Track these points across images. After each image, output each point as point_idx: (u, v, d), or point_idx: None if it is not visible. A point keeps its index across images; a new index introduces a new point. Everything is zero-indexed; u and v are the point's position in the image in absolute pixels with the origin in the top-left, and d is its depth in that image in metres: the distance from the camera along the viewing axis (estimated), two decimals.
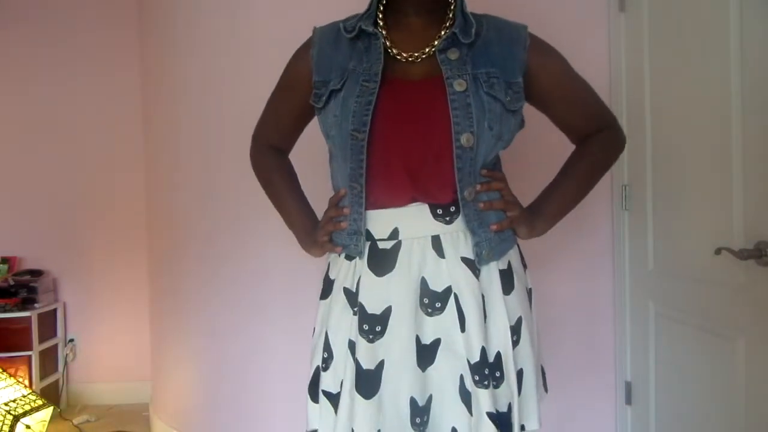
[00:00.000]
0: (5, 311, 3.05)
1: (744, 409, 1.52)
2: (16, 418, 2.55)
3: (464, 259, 1.01)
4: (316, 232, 1.12)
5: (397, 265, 0.99)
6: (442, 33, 1.05)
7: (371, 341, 0.97)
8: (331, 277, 1.10)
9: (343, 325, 1.04)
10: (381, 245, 1.00)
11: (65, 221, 3.36)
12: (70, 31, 3.36)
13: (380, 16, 1.07)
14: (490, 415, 0.93)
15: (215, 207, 2.32)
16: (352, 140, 1.00)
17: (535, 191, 1.37)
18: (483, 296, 1.01)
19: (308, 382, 1.12)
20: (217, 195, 2.31)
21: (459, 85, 1.00)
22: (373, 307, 0.98)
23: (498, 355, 0.99)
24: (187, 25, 2.41)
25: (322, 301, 1.12)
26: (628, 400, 2.12)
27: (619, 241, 2.14)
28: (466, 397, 0.95)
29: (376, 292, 0.99)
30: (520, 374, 1.02)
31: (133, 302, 3.32)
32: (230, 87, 2.25)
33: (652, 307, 1.96)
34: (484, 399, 0.94)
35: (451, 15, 1.06)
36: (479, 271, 1.02)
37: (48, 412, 2.73)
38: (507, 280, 1.05)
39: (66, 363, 3.35)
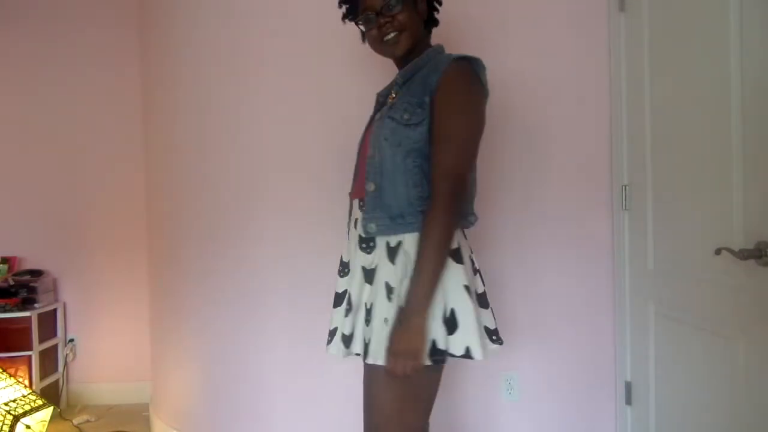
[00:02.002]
0: (5, 311, 3.06)
1: (744, 409, 1.52)
2: (16, 418, 2.55)
3: (360, 238, 1.39)
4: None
5: (349, 235, 1.48)
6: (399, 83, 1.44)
7: (341, 277, 1.50)
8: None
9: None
10: (351, 222, 1.48)
11: (65, 221, 3.36)
12: (70, 31, 3.36)
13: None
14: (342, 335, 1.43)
15: (215, 207, 2.32)
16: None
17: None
18: (377, 263, 1.35)
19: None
20: (217, 195, 2.31)
21: (379, 118, 1.41)
22: (344, 258, 1.51)
23: (371, 306, 1.33)
24: (188, 25, 2.41)
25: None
26: (628, 400, 2.12)
27: (619, 241, 2.14)
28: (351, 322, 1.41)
29: (345, 251, 1.50)
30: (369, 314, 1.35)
31: (133, 302, 3.33)
32: (230, 87, 2.25)
33: (652, 307, 1.96)
34: (361, 329, 1.38)
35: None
36: (372, 244, 1.37)
37: (48, 412, 2.73)
38: (393, 254, 1.33)
39: (66, 363, 3.36)
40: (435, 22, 1.53)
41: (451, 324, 1.29)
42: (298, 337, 2.12)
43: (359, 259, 1.40)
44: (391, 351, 1.25)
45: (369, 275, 1.38)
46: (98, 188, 3.37)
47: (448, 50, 1.50)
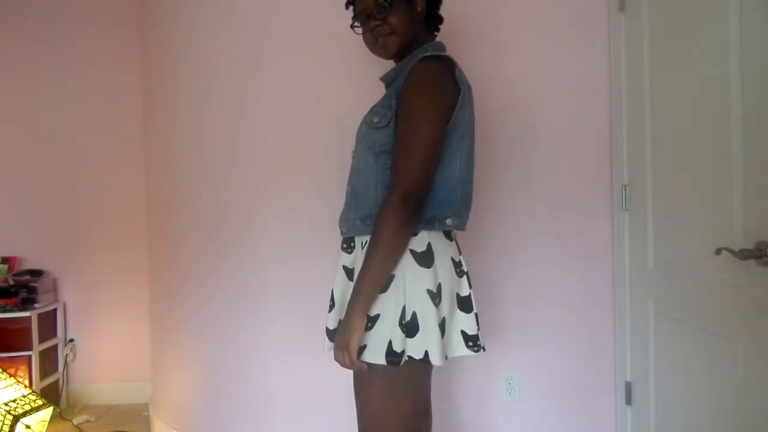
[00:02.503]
0: (5, 311, 3.06)
1: (744, 409, 1.52)
2: (16, 418, 2.55)
3: (343, 238, 1.46)
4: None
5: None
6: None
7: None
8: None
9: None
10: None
11: (65, 221, 3.36)
12: (70, 31, 3.36)
13: None
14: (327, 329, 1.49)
15: (215, 207, 2.32)
16: None
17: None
18: (356, 266, 1.37)
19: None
20: (216, 195, 2.31)
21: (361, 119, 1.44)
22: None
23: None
24: (188, 24, 2.41)
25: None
26: (628, 400, 2.12)
27: (619, 241, 2.14)
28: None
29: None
30: (376, 318, 1.32)
31: (133, 302, 3.33)
32: (230, 87, 2.25)
33: (652, 307, 1.96)
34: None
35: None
36: (352, 244, 1.42)
37: (48, 412, 2.73)
38: (366, 253, 1.34)
39: (66, 363, 3.36)
40: (438, 20, 1.51)
41: (411, 327, 1.30)
42: (298, 338, 2.12)
43: (342, 259, 1.47)
44: (335, 343, 1.34)
45: (350, 274, 1.43)
46: (98, 188, 3.37)
47: (458, 49, 1.53)
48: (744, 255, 1.44)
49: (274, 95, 2.16)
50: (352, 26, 1.50)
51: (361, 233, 1.38)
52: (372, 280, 1.28)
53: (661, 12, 1.87)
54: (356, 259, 1.39)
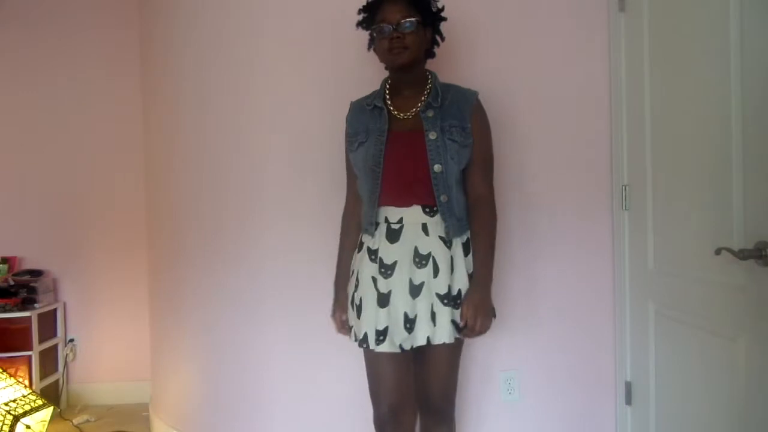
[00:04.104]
0: (5, 311, 3.06)
1: (744, 409, 1.52)
2: (16, 418, 2.55)
3: (440, 237, 1.62)
4: (335, 314, 1.80)
5: (401, 238, 1.62)
6: (423, 100, 1.66)
7: (386, 278, 1.62)
8: (363, 241, 1.71)
9: (366, 268, 1.65)
10: (393, 227, 1.63)
11: (65, 221, 3.36)
12: (70, 32, 3.36)
13: (387, 90, 1.71)
14: (452, 322, 1.59)
15: (215, 207, 2.32)
16: (373, 171, 1.63)
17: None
18: (452, 258, 1.62)
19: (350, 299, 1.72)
20: (216, 195, 2.31)
21: (432, 135, 1.61)
22: (387, 260, 1.62)
23: (459, 291, 1.61)
24: (188, 25, 2.41)
25: (356, 254, 1.73)
26: (628, 400, 2.12)
27: (618, 241, 2.14)
28: (432, 318, 1.59)
29: (389, 252, 1.62)
30: (459, 297, 1.62)
31: (133, 302, 3.32)
32: (231, 87, 2.25)
33: (652, 307, 1.96)
34: (447, 312, 1.59)
35: (428, 88, 1.67)
36: (450, 243, 1.63)
37: (48, 412, 2.73)
38: (467, 249, 1.65)
39: (66, 363, 3.36)
40: (432, 55, 1.74)
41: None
42: (298, 337, 2.12)
43: (443, 253, 1.66)
44: (484, 315, 1.63)
45: (448, 266, 1.68)
46: (98, 188, 3.37)
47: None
48: (744, 255, 1.44)
49: (274, 95, 2.16)
50: (366, 29, 1.68)
51: (460, 233, 1.64)
52: (492, 267, 1.65)
53: (661, 12, 1.87)
54: (454, 254, 1.62)
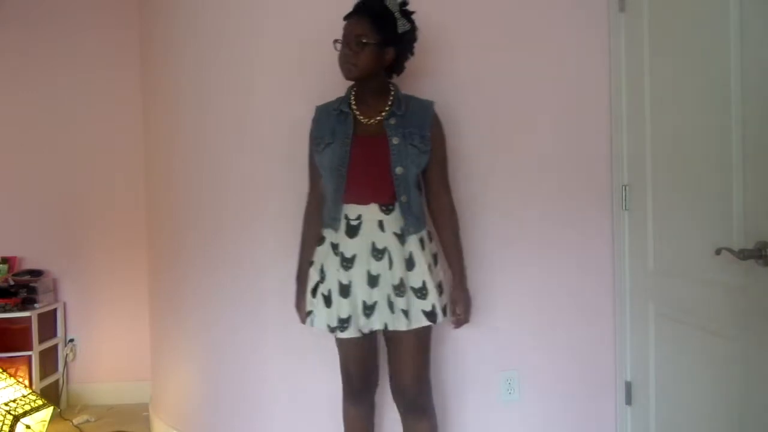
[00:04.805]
0: (5, 311, 3.05)
1: (744, 409, 1.52)
2: (16, 418, 2.55)
3: (394, 233, 1.74)
4: (300, 304, 1.94)
5: (359, 233, 1.75)
6: (387, 108, 1.78)
7: (346, 270, 1.75)
8: (324, 236, 1.84)
9: (331, 262, 1.78)
10: (352, 223, 1.76)
11: (65, 221, 3.36)
12: (70, 32, 3.35)
13: (353, 98, 1.82)
14: (403, 311, 1.72)
15: (215, 207, 2.32)
16: (338, 171, 1.75)
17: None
18: (411, 253, 1.74)
19: (311, 288, 1.84)
20: (216, 195, 2.31)
21: (395, 140, 1.74)
22: (348, 254, 1.75)
23: (424, 282, 1.73)
24: (188, 25, 2.41)
25: (319, 248, 1.84)
26: (628, 400, 2.12)
27: (619, 241, 2.14)
28: (390, 305, 1.73)
29: (349, 246, 1.75)
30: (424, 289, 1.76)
31: (133, 302, 3.32)
32: (231, 87, 2.25)
33: (652, 307, 1.96)
34: (400, 302, 1.72)
35: (391, 97, 1.80)
36: (404, 239, 1.75)
37: (48, 412, 2.73)
38: (423, 244, 1.78)
39: (66, 363, 3.35)
40: (401, 70, 1.84)
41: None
42: (299, 337, 2.12)
43: (400, 251, 1.79)
44: (467, 307, 1.88)
45: (409, 263, 1.80)
46: (98, 188, 3.37)
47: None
48: (744, 255, 1.44)
49: (274, 95, 2.16)
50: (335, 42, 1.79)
51: (418, 230, 1.76)
52: (463, 261, 1.85)
53: (661, 12, 1.87)
54: (411, 249, 1.74)
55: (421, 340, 1.79)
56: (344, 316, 1.74)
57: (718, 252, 1.51)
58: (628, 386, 2.12)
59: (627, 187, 2.09)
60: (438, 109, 1.83)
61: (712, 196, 1.63)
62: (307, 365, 2.13)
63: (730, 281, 1.55)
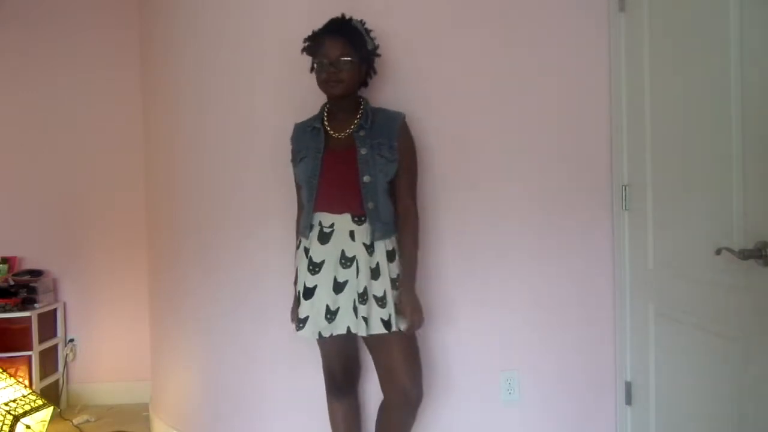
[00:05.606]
0: (5, 311, 3.06)
1: (744, 409, 1.52)
2: (16, 418, 2.55)
3: (363, 243, 1.82)
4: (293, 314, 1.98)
5: (331, 241, 1.83)
6: (355, 122, 1.88)
7: (313, 274, 1.84)
8: (300, 241, 1.93)
9: (302, 265, 1.88)
10: (325, 230, 1.85)
11: (65, 221, 3.36)
12: (70, 32, 3.36)
13: (325, 115, 1.93)
14: (364, 318, 1.79)
15: (215, 208, 2.32)
16: (310, 182, 1.86)
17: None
18: (378, 263, 1.82)
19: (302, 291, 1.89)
20: (216, 196, 2.31)
21: (363, 151, 1.83)
22: (317, 259, 1.84)
23: (384, 292, 1.80)
24: (188, 25, 2.41)
25: (296, 252, 1.95)
26: (628, 400, 2.12)
27: (619, 241, 2.14)
28: (354, 311, 1.81)
29: (318, 252, 1.84)
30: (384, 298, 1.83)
31: (133, 302, 3.32)
32: (231, 87, 2.25)
33: (652, 307, 1.96)
34: (362, 309, 1.79)
35: (361, 112, 1.89)
36: (373, 249, 1.83)
37: (48, 412, 2.73)
38: (391, 256, 1.86)
39: (66, 363, 3.36)
40: (366, 84, 1.96)
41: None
42: (298, 338, 2.12)
43: (366, 261, 1.85)
44: (417, 312, 1.86)
45: (374, 272, 1.87)
46: (98, 188, 3.37)
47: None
48: (744, 255, 1.44)
49: (275, 95, 2.16)
50: (309, 55, 1.88)
51: (385, 236, 1.83)
52: (415, 269, 1.89)
53: (661, 12, 1.87)
54: (379, 260, 1.82)
55: (401, 341, 1.85)
56: (302, 316, 1.83)
57: (718, 252, 1.51)
58: (628, 386, 2.12)
59: (627, 187, 2.09)
60: (414, 119, 1.93)
61: (712, 196, 1.63)
62: (307, 365, 2.13)
63: (730, 281, 1.55)
